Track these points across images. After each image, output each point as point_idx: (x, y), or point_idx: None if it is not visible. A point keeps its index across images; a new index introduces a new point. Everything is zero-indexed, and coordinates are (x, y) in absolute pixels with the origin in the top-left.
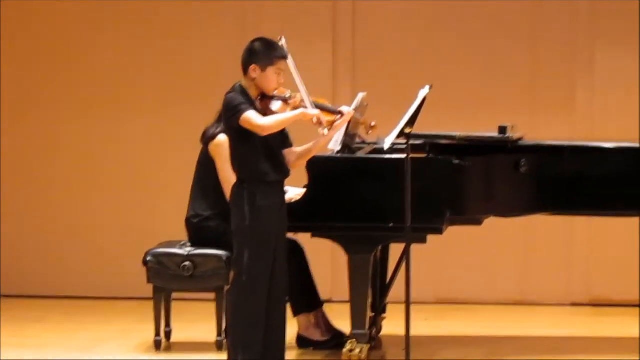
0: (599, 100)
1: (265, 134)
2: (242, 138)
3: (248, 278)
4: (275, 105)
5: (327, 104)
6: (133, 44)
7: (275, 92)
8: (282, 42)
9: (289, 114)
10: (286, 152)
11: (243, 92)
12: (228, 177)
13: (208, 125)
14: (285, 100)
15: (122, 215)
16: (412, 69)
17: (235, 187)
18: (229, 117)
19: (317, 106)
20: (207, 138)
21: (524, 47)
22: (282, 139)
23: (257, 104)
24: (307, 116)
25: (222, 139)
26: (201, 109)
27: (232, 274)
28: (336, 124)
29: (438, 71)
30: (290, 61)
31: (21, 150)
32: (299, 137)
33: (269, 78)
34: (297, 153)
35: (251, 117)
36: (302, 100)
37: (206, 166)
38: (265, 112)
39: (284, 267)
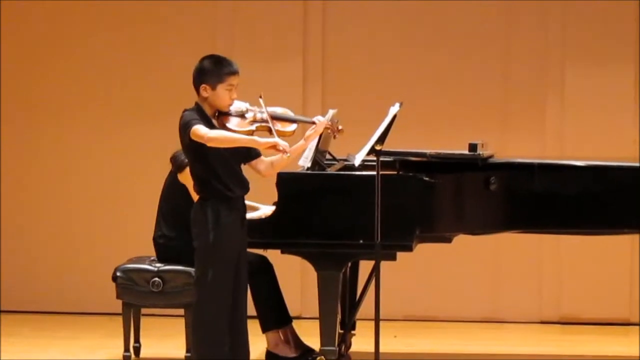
0: (570, 118)
1: (211, 144)
2: (199, 156)
3: (212, 297)
4: (233, 121)
5: (291, 114)
6: (104, 57)
7: (232, 108)
8: (261, 101)
9: (241, 137)
10: (255, 162)
11: (199, 110)
12: None
13: (176, 151)
14: (242, 116)
15: (92, 231)
16: (382, 86)
17: (198, 206)
18: (182, 135)
19: (277, 117)
20: (178, 166)
21: (495, 65)
22: (246, 150)
23: (214, 122)
24: (262, 144)
25: None
26: (173, 124)
27: (195, 294)
28: (308, 133)
29: (409, 89)
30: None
31: None
32: None
33: (220, 96)
34: (267, 162)
35: (198, 129)
36: (259, 116)
37: (173, 189)
38: (224, 129)
39: (246, 284)
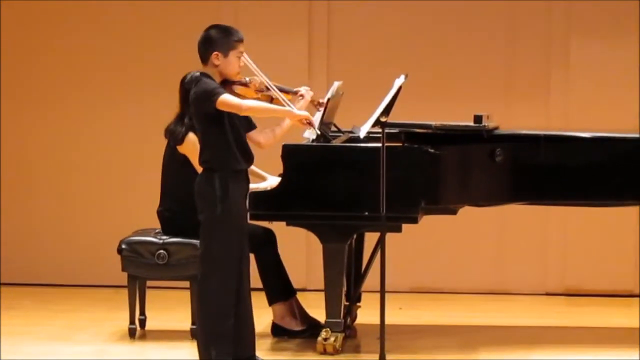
0: (574, 90)
1: (246, 114)
2: (213, 124)
3: (219, 269)
4: (240, 90)
5: (285, 86)
6: (108, 39)
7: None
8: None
9: (277, 108)
10: (252, 134)
11: (209, 77)
12: None
13: (169, 123)
14: (245, 84)
15: (97, 204)
16: (387, 58)
17: (204, 178)
18: (204, 102)
19: (277, 88)
20: (175, 138)
21: (500, 37)
22: (247, 121)
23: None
24: (295, 116)
25: (192, 138)
26: (176, 100)
27: (199, 267)
28: (298, 105)
29: (414, 60)
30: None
31: None
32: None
33: (232, 62)
34: (267, 132)
35: (230, 99)
36: (261, 82)
37: (172, 163)
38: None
39: (248, 256)
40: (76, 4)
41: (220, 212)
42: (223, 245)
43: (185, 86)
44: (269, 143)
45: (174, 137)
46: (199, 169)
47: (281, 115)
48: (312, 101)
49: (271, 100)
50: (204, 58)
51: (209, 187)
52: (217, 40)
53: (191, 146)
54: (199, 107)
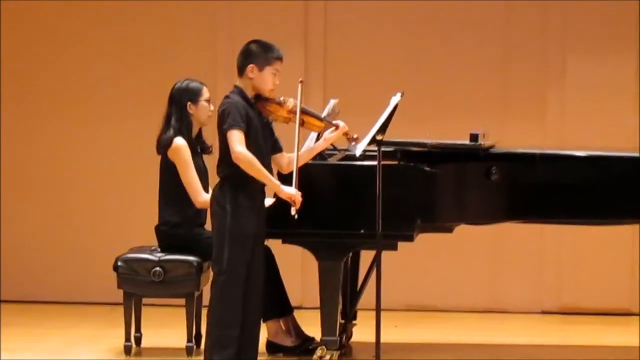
0: (570, 108)
1: (235, 161)
2: None
3: (226, 277)
4: (272, 107)
5: (319, 113)
6: (105, 50)
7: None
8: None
9: (267, 175)
10: (277, 156)
11: (241, 93)
12: (190, 180)
13: (159, 133)
14: (279, 103)
15: (93, 220)
16: (384, 76)
17: (219, 186)
18: (222, 121)
19: (308, 112)
20: (164, 145)
21: (496, 55)
22: (272, 143)
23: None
24: (283, 194)
25: (180, 142)
26: None
27: (212, 274)
28: (329, 135)
29: (410, 79)
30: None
31: None
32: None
33: (266, 78)
34: (288, 158)
35: (234, 138)
36: (294, 105)
37: (168, 173)
38: (261, 112)
39: (261, 270)
40: (73, 14)
41: (230, 221)
42: (231, 255)
43: (174, 91)
44: (290, 169)
45: (164, 144)
46: (184, 177)
47: (268, 186)
48: (345, 134)
49: (303, 123)
50: (241, 69)
51: (221, 198)
52: (255, 53)
53: (177, 152)
54: (218, 122)
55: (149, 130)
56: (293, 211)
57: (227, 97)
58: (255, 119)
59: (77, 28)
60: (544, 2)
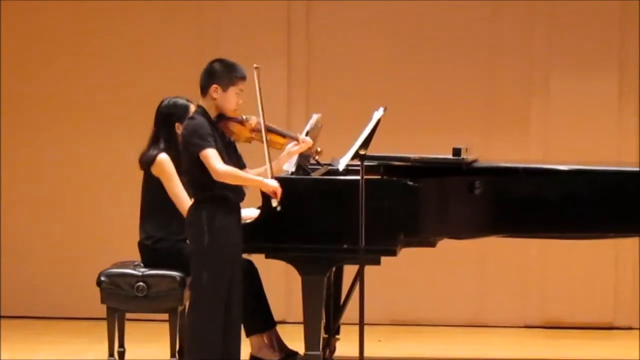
0: (554, 123)
1: (216, 179)
2: (200, 163)
3: (206, 300)
4: (233, 126)
5: (282, 129)
6: (86, 63)
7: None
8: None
9: (251, 177)
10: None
11: (204, 113)
12: (177, 193)
13: (143, 151)
14: (241, 122)
15: (76, 236)
16: (367, 90)
17: (193, 208)
18: (191, 144)
19: (271, 130)
20: (147, 161)
21: (481, 70)
22: (236, 160)
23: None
24: (266, 187)
25: (163, 157)
26: None
27: (189, 296)
28: (292, 149)
29: (393, 92)
30: (256, 88)
31: None
32: (255, 156)
33: (230, 98)
34: (253, 174)
35: (210, 157)
36: (258, 123)
37: (150, 188)
38: (224, 132)
39: (240, 288)
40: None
41: (208, 242)
42: (211, 276)
43: (162, 110)
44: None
45: (147, 161)
46: (171, 190)
47: (253, 186)
48: (310, 148)
49: (266, 141)
50: (204, 89)
51: (197, 219)
52: (219, 73)
53: (162, 167)
54: (185, 145)
55: (133, 145)
56: (274, 203)
57: (191, 118)
58: (219, 139)
59: (63, 32)
60: (528, 18)
